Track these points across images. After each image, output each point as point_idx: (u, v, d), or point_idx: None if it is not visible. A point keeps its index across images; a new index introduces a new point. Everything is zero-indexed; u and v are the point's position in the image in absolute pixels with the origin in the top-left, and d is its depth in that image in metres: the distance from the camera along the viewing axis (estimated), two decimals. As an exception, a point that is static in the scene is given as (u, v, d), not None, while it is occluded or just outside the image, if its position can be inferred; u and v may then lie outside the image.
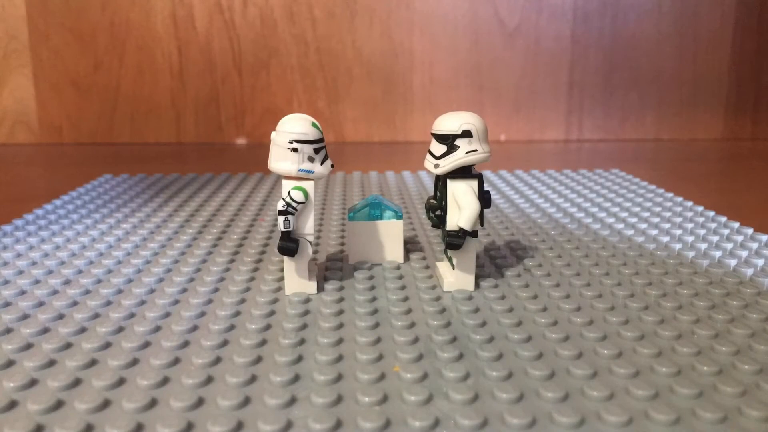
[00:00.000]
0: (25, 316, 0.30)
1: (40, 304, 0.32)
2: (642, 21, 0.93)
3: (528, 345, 0.27)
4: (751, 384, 0.25)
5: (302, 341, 0.28)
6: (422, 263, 0.38)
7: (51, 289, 0.34)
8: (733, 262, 0.38)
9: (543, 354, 0.27)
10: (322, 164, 0.32)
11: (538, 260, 0.39)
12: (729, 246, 0.41)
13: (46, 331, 0.29)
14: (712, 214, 0.50)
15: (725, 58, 0.95)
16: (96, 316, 0.31)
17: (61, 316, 0.30)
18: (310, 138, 0.32)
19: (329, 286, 0.34)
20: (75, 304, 0.32)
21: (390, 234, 0.38)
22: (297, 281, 0.34)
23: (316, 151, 0.32)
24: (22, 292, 0.33)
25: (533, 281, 0.35)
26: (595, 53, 0.93)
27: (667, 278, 0.35)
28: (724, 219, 0.48)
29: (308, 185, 0.32)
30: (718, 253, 0.40)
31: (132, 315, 0.31)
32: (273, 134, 0.32)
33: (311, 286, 0.34)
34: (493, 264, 0.38)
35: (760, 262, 0.38)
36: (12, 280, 0.35)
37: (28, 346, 0.27)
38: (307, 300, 0.33)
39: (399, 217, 0.38)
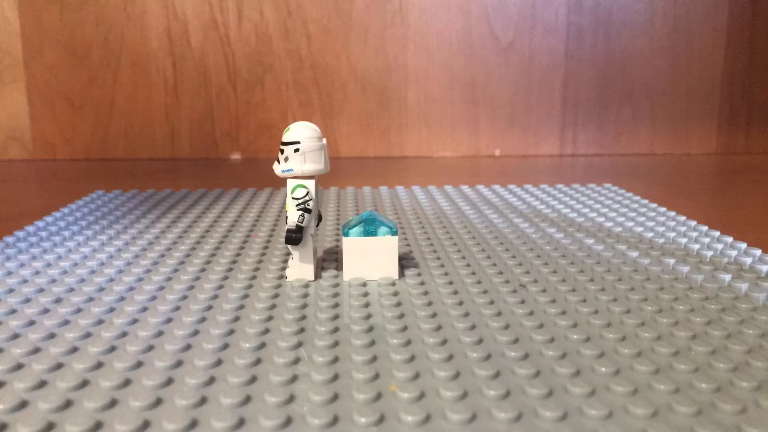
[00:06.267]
0: (16, 336, 0.30)
1: (31, 323, 0.32)
2: (635, 37, 0.93)
3: (525, 363, 0.27)
4: (750, 402, 0.24)
5: (297, 360, 0.28)
6: (417, 279, 0.38)
7: (42, 307, 0.33)
8: (727, 277, 0.38)
9: (540, 372, 0.27)
10: (304, 164, 0.36)
11: (534, 276, 0.39)
12: (723, 260, 0.41)
13: (37, 351, 0.29)
14: (705, 228, 0.50)
15: (718, 73, 0.95)
16: (87, 335, 0.30)
17: (51, 335, 0.30)
18: (284, 140, 0.36)
19: (323, 303, 0.34)
20: (66, 323, 0.32)
21: (385, 250, 0.38)
22: (300, 267, 0.38)
23: (295, 150, 0.36)
24: (13, 311, 0.33)
25: (529, 297, 0.35)
26: (589, 69, 0.94)
27: (663, 294, 0.35)
28: (717, 233, 0.48)
29: (309, 183, 0.36)
30: (712, 268, 0.40)
31: (124, 334, 0.30)
32: None
33: (310, 272, 0.38)
34: (488, 280, 0.38)
35: (755, 276, 0.38)
36: (3, 299, 0.35)
37: (18, 367, 0.27)
38: (303, 317, 0.32)
39: (394, 233, 0.38)
